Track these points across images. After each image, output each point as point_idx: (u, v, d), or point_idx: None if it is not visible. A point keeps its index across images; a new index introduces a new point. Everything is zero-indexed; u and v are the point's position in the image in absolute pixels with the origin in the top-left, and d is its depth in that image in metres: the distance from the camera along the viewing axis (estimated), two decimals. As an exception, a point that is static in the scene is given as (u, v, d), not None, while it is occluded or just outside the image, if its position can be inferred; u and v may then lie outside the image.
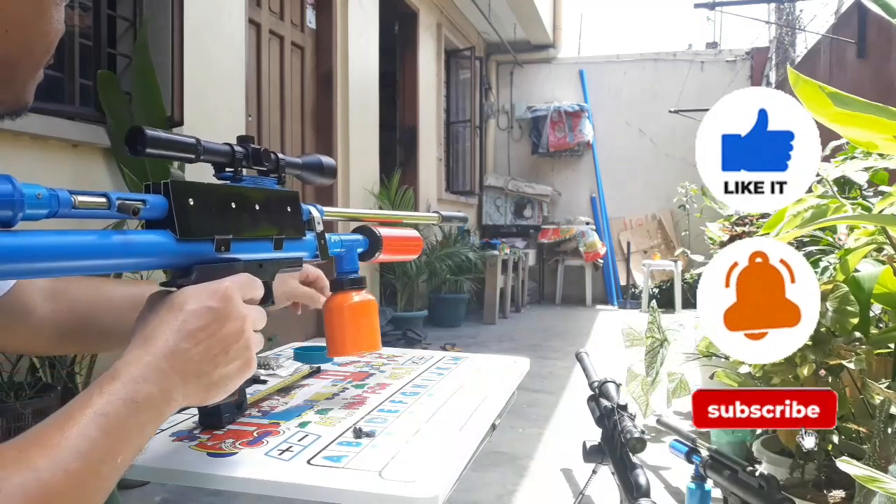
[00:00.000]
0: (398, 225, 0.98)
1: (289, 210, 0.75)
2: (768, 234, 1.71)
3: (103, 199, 0.54)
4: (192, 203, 0.61)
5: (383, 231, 0.92)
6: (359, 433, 0.76)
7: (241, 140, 0.70)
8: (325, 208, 0.83)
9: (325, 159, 0.81)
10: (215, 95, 3.24)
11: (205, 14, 3.13)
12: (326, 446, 0.73)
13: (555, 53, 8.90)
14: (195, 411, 0.84)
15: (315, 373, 1.06)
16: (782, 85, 6.52)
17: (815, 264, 2.32)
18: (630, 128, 8.54)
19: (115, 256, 0.55)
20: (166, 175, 2.49)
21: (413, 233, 1.00)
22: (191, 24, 2.93)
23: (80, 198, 0.52)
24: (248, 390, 0.86)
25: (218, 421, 0.78)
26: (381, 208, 5.34)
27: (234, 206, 0.66)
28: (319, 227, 0.80)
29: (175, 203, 0.60)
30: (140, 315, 0.60)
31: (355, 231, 0.92)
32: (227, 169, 0.69)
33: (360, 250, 0.90)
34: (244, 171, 0.70)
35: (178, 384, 0.56)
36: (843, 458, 1.00)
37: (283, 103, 4.22)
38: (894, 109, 1.15)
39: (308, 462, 0.68)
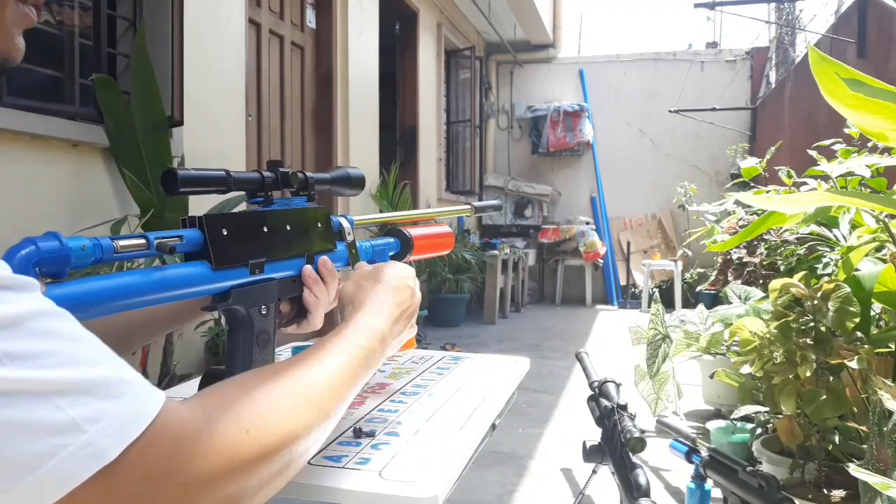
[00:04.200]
0: (431, 223, 1.01)
1: (319, 226, 0.79)
2: (771, 229, 1.71)
3: (143, 241, 0.58)
4: (225, 233, 0.65)
5: (413, 231, 0.95)
6: (359, 433, 0.76)
7: (271, 165, 0.74)
8: (355, 217, 0.87)
9: (353, 171, 0.85)
10: (215, 95, 3.24)
11: (205, 14, 3.13)
12: (326, 446, 0.73)
13: (555, 53, 8.90)
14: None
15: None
16: (783, 83, 6.52)
17: (817, 259, 2.32)
18: (630, 128, 8.54)
19: (156, 292, 0.59)
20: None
21: (444, 228, 1.02)
22: (191, 24, 2.93)
23: (121, 242, 0.56)
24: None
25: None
26: (380, 210, 5.34)
27: (265, 230, 0.70)
28: (350, 237, 0.85)
29: (210, 235, 0.63)
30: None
31: (385, 234, 0.95)
32: (258, 194, 0.73)
33: (391, 253, 0.93)
34: (274, 194, 0.74)
35: (392, 339, 0.71)
36: (854, 466, 0.99)
37: (283, 103, 4.22)
38: None
39: (308, 462, 0.68)
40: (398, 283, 0.74)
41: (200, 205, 2.60)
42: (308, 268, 0.76)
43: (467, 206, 1.08)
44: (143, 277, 0.58)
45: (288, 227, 0.74)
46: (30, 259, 0.51)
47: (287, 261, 0.74)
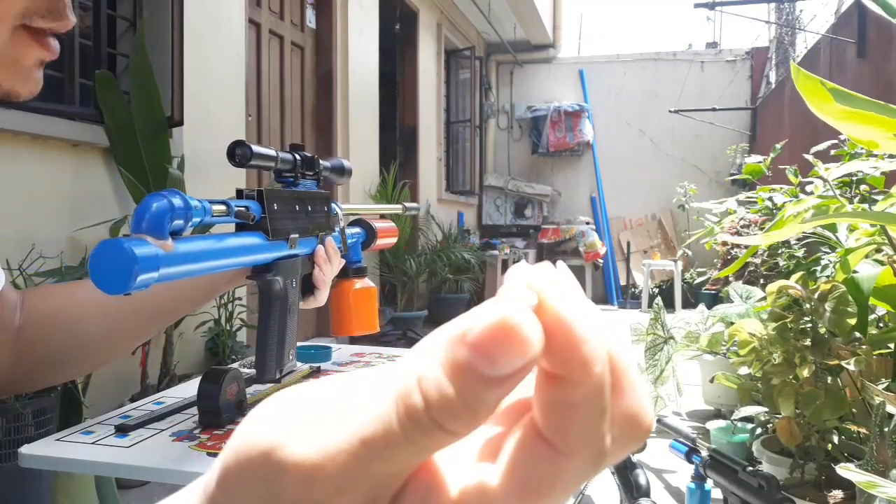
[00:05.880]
0: (378, 217, 1.10)
1: (325, 209, 0.86)
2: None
3: (224, 207, 0.62)
4: (276, 208, 0.70)
5: (377, 224, 1.03)
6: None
7: (293, 148, 0.80)
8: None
9: (346, 162, 0.93)
10: (215, 95, 3.24)
11: (205, 14, 3.14)
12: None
13: (555, 53, 8.90)
14: (195, 411, 0.84)
15: (315, 373, 1.06)
16: (783, 83, 6.52)
17: (816, 262, 2.32)
18: (630, 128, 8.55)
19: (226, 257, 0.62)
20: (164, 176, 2.49)
21: (393, 224, 1.11)
22: (191, 24, 2.93)
23: (214, 206, 0.60)
24: (249, 390, 0.86)
25: (218, 421, 0.78)
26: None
27: (297, 208, 0.76)
28: (342, 223, 0.91)
29: (267, 208, 0.69)
30: None
31: (352, 224, 1.02)
32: (288, 174, 0.78)
33: (360, 241, 1.01)
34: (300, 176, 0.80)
35: None
36: (843, 464, 0.99)
37: (283, 103, 4.22)
38: (894, 107, 1.14)
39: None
40: None
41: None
42: (320, 247, 0.82)
43: (399, 206, 1.16)
44: (217, 243, 0.60)
45: (309, 208, 0.80)
46: (164, 213, 0.52)
47: (307, 239, 0.78)
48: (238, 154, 0.68)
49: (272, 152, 0.73)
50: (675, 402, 3.01)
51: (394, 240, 1.10)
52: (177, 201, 0.53)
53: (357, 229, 1.00)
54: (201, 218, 0.57)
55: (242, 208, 0.65)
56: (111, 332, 0.72)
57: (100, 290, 0.71)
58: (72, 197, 2.49)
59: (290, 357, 0.80)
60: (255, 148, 0.69)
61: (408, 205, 1.19)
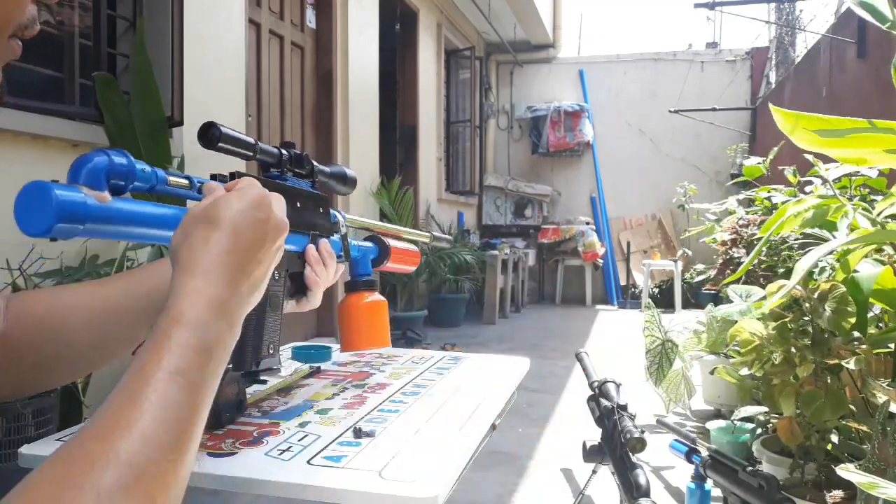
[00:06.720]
0: (399, 239, 1.05)
1: (321, 211, 0.83)
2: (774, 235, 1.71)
3: (187, 181, 0.62)
4: None
5: (392, 242, 0.99)
6: (359, 433, 0.76)
7: (284, 145, 0.78)
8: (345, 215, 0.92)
9: (349, 171, 0.90)
10: (215, 95, 3.24)
11: (205, 14, 3.13)
12: (326, 446, 0.73)
13: (555, 53, 8.90)
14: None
15: (315, 373, 1.06)
16: (783, 83, 6.52)
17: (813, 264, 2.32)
18: (630, 128, 8.55)
19: None
20: (166, 175, 2.49)
21: (414, 248, 1.06)
22: (191, 24, 2.93)
23: (172, 178, 0.60)
24: (249, 390, 0.86)
25: (217, 421, 0.78)
26: (381, 209, 5.34)
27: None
28: (344, 230, 0.88)
29: None
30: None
31: (366, 240, 0.99)
32: (274, 169, 0.77)
33: (371, 257, 0.97)
34: (288, 172, 0.78)
35: (240, 306, 0.54)
36: (843, 465, 1.00)
37: (283, 103, 4.22)
38: (879, 124, 1.16)
39: (308, 462, 0.68)
40: (242, 221, 0.55)
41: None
42: (311, 247, 0.80)
43: (427, 234, 1.13)
44: (166, 210, 0.59)
45: (298, 204, 0.77)
46: (101, 169, 0.52)
47: (294, 235, 0.76)
48: (209, 135, 0.68)
49: (249, 140, 0.71)
50: (684, 401, 3.01)
51: (412, 266, 1.05)
52: (119, 159, 0.53)
53: (369, 244, 0.97)
54: (152, 184, 0.57)
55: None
56: (101, 336, 0.71)
57: (87, 294, 0.71)
58: (72, 197, 2.49)
59: (270, 350, 0.77)
60: (225, 130, 0.68)
61: (437, 234, 1.15)
